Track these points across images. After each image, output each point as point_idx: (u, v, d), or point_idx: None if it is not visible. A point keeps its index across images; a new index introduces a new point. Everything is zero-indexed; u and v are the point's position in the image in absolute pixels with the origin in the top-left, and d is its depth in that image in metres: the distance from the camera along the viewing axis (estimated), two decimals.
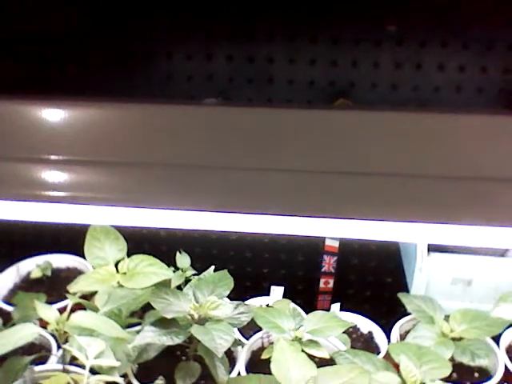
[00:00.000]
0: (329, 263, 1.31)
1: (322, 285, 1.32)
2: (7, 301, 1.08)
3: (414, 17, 1.01)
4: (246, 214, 0.71)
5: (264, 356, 0.87)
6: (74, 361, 0.88)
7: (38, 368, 0.90)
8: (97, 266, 1.00)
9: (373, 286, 1.33)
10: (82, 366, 0.88)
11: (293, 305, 0.95)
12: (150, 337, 0.81)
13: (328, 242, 1.29)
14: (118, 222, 0.90)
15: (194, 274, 1.03)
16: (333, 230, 0.76)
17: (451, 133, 0.60)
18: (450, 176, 0.62)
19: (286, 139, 0.67)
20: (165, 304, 0.87)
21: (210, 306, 0.85)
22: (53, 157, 0.72)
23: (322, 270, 1.30)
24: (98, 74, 1.21)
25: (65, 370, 0.87)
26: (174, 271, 1.00)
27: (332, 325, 0.88)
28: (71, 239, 1.28)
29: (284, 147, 0.67)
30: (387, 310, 1.16)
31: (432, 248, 0.96)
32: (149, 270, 0.98)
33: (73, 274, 1.16)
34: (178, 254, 1.06)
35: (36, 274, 1.10)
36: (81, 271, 1.17)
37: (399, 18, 1.02)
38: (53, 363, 0.95)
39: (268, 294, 1.11)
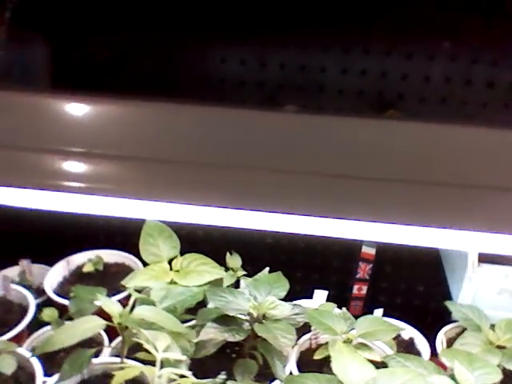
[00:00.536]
0: (364, 270, 1.33)
1: (355, 291, 1.35)
2: (57, 293, 1.10)
3: (468, 34, 1.05)
4: (284, 214, 0.73)
5: (316, 357, 0.89)
6: (129, 354, 0.91)
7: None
8: (151, 262, 1.02)
9: (408, 293, 1.36)
10: (139, 360, 0.91)
11: (343, 309, 0.98)
12: (213, 333, 0.84)
13: (364, 249, 1.31)
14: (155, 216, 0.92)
15: (244, 275, 1.06)
16: (377, 234, 0.79)
17: (498, 146, 0.63)
18: (498, 187, 0.65)
19: (330, 145, 0.71)
20: (223, 302, 0.90)
21: (268, 305, 0.87)
22: (96, 151, 0.76)
23: (357, 276, 1.33)
24: (153, 75, 1.25)
25: (122, 363, 0.90)
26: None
27: (383, 329, 0.90)
28: (116, 235, 1.32)
29: (328, 152, 0.70)
30: (423, 318, 1.19)
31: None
32: (202, 268, 1.01)
33: (121, 269, 1.19)
34: (228, 254, 1.09)
35: (88, 268, 1.13)
36: (129, 267, 1.19)
37: (453, 34, 1.06)
38: (105, 356, 0.98)
39: (304, 297, 1.14)
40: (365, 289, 1.35)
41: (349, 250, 1.33)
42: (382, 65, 1.15)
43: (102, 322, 0.84)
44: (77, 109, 0.79)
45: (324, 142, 0.72)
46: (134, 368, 0.74)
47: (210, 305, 1.09)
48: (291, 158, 0.73)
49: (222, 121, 0.75)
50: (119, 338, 0.98)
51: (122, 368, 0.80)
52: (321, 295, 1.12)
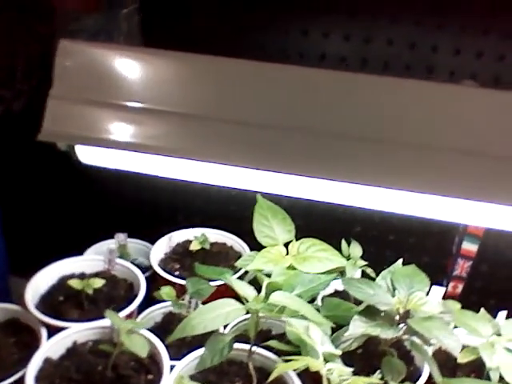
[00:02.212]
0: (462, 267, 1.26)
1: (450, 289, 1.28)
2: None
3: None
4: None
5: (461, 360, 0.83)
6: None
7: None
8: (266, 244, 0.95)
9: (504, 295, 1.30)
10: (268, 348, 0.85)
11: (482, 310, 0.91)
12: (364, 327, 0.77)
13: (465, 245, 1.24)
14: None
15: (365, 265, 1.00)
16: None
17: None
18: None
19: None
20: (364, 294, 0.83)
21: (417, 301, 0.80)
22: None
23: (454, 273, 1.26)
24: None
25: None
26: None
27: None
28: (214, 214, 1.25)
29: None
30: None
31: None
32: (322, 255, 0.93)
33: (223, 249, 1.12)
34: (344, 242, 1.02)
35: (195, 246, 1.06)
36: (231, 247, 1.12)
37: None
38: None
39: None
40: (460, 287, 1.28)
41: (440, 245, 1.27)
42: (500, 47, 1.08)
43: (242, 307, 0.78)
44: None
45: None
46: (300, 360, 0.67)
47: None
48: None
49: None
50: None
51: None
52: (438, 292, 1.06)
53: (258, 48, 1.19)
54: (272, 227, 0.95)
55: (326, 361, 0.70)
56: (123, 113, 0.73)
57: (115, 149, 0.72)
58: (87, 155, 0.76)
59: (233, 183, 0.81)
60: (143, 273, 1.02)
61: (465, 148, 0.67)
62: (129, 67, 0.73)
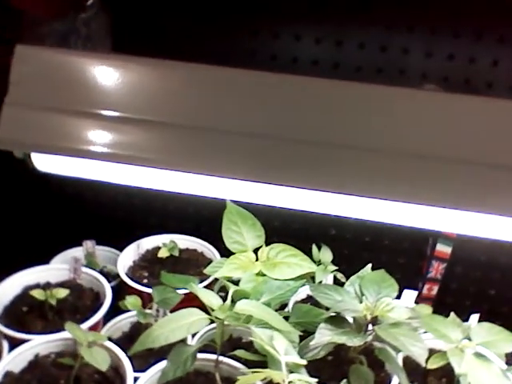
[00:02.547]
0: (437, 269, 1.26)
1: (425, 291, 1.28)
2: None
3: None
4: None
5: (430, 366, 0.82)
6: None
7: None
8: (235, 251, 0.94)
9: (479, 297, 1.30)
10: (235, 358, 0.83)
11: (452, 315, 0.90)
12: (330, 335, 0.75)
13: (439, 247, 1.24)
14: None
15: (337, 270, 0.98)
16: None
17: None
18: None
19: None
20: (330, 300, 0.81)
21: (384, 307, 0.79)
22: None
23: (428, 275, 1.26)
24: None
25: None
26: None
27: (503, 338, 0.83)
28: (184, 220, 1.23)
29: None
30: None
31: None
32: (291, 260, 0.92)
33: (194, 255, 1.10)
34: (314, 247, 1.01)
35: (163, 253, 1.04)
36: (202, 253, 1.10)
37: None
38: None
39: None
40: (435, 289, 1.27)
41: (416, 247, 1.26)
42: (471, 49, 1.07)
43: (206, 316, 0.76)
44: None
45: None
46: (261, 373, 0.65)
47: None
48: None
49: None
50: None
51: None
52: (410, 296, 1.04)
53: (229, 51, 1.17)
54: (241, 233, 0.93)
55: (291, 371, 0.69)
56: (80, 120, 0.70)
57: (71, 156, 0.70)
58: (43, 163, 0.74)
59: (205, 192, 0.79)
60: (111, 281, 1.00)
61: (437, 155, 0.66)
62: (86, 73, 0.71)
